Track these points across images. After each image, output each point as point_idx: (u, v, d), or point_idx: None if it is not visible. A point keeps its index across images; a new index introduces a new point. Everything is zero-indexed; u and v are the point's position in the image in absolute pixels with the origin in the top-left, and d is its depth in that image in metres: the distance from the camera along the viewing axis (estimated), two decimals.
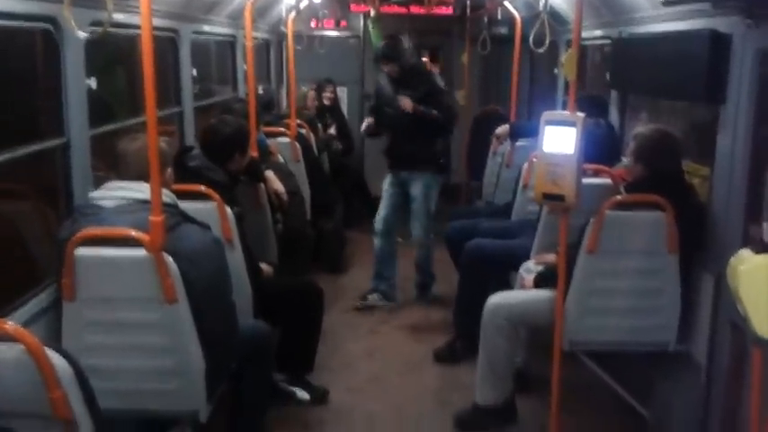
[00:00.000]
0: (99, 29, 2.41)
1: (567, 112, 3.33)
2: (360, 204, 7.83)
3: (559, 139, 3.23)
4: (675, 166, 3.54)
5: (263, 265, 3.96)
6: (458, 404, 4.03)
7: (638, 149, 3.53)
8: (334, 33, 8.65)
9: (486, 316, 3.68)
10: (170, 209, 2.76)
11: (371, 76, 8.74)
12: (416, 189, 5.53)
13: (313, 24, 8.24)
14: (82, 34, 2.39)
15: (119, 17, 3.54)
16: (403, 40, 5.58)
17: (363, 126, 5.84)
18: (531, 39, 3.93)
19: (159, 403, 2.90)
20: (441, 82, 5.59)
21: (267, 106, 5.73)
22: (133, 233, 2.65)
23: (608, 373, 3.94)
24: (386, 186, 5.69)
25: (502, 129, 5.61)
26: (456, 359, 4.66)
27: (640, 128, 3.63)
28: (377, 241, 5.69)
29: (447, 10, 8.13)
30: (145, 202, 2.69)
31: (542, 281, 3.70)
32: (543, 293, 3.63)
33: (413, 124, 5.34)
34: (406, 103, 5.29)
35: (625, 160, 4.15)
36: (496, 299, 3.73)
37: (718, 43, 3.20)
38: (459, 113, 6.13)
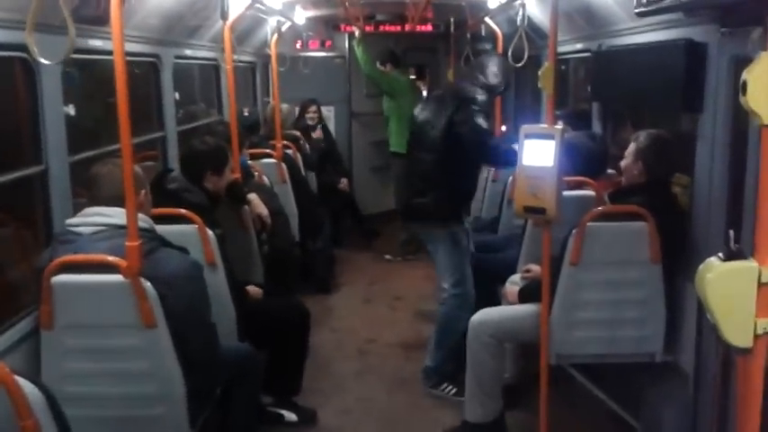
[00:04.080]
0: (71, 56, 2.38)
1: (545, 126, 3.34)
2: (352, 223, 7.83)
3: (539, 152, 3.24)
4: (669, 175, 3.55)
5: (252, 288, 3.94)
6: (447, 422, 4.00)
7: (644, 149, 3.48)
8: (320, 54, 8.67)
9: (472, 333, 3.65)
10: (147, 233, 2.74)
11: (358, 94, 8.81)
12: None
13: (298, 45, 8.28)
14: (44, 62, 2.38)
15: (96, 44, 3.55)
16: None
17: None
18: (509, 53, 3.95)
19: (141, 429, 2.87)
20: None
21: (252, 128, 5.71)
22: (110, 259, 2.63)
23: (597, 386, 3.92)
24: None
25: None
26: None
27: (643, 131, 3.62)
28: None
29: (428, 27, 8.14)
30: (121, 227, 2.67)
31: (527, 294, 3.68)
32: (527, 308, 3.61)
33: None
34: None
35: (611, 171, 4.16)
36: (480, 316, 3.70)
37: (693, 52, 3.20)
38: None
